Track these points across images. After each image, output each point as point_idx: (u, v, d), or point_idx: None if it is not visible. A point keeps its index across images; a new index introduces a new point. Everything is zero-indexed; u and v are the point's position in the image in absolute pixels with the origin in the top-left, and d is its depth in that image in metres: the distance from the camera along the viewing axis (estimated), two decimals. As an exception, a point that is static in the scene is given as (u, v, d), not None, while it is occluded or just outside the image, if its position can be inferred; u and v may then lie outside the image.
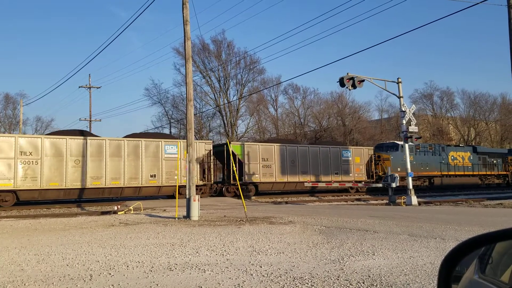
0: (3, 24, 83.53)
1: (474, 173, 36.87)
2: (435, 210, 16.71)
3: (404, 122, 20.84)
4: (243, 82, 49.54)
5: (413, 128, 20.78)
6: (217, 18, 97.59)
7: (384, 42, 48.99)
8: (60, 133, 22.99)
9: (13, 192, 20.30)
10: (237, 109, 49.11)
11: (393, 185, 21.02)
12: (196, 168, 23.41)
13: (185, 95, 18.07)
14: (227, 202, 22.85)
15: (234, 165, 18.26)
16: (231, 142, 26.53)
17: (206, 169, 25.36)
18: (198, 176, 24.24)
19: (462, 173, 35.92)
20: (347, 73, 19.70)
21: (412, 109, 21.52)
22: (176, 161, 22.09)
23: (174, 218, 13.76)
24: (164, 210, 17.47)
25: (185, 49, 15.44)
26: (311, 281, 5.01)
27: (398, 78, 21.26)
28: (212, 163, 25.66)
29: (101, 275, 5.56)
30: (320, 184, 26.42)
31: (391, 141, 34.40)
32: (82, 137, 22.39)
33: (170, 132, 51.59)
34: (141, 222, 12.56)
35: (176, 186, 20.23)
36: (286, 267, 5.85)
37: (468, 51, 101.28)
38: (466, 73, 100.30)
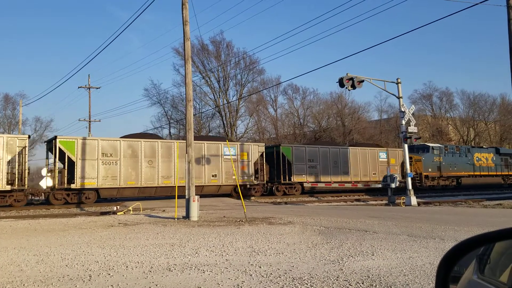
0: (3, 23, 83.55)
1: (497, 173, 38.38)
2: (435, 210, 16.72)
3: (403, 122, 20.84)
4: (243, 82, 49.59)
5: (412, 129, 20.78)
6: (217, 18, 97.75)
7: (383, 42, 49.20)
8: (135, 136, 24.86)
9: (96, 190, 22.03)
10: (237, 110, 49.12)
11: (392, 185, 21.02)
12: (251, 169, 26.42)
13: (184, 95, 18.10)
14: (227, 203, 22.85)
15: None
16: (281, 145, 29.32)
17: (259, 170, 27.27)
18: (252, 176, 26.71)
19: (486, 173, 37.47)
20: (347, 74, 19.70)
21: (412, 109, 21.53)
22: (232, 162, 22.98)
23: (174, 218, 13.76)
24: (164, 210, 17.48)
25: (184, 50, 15.44)
26: (310, 282, 5.01)
27: (397, 79, 21.27)
28: (264, 164, 27.60)
29: (100, 276, 5.55)
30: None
31: (422, 143, 35.41)
32: (154, 140, 24.54)
33: (170, 132, 51.61)
34: (140, 223, 12.55)
35: (234, 185, 24.11)
36: (286, 267, 5.85)
37: (467, 52, 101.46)
38: (466, 74, 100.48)
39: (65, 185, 21.62)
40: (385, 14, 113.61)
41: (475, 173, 36.34)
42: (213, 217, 13.89)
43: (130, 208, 17.41)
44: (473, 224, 10.87)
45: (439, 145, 36.05)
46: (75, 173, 21.41)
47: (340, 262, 6.15)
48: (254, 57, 48.27)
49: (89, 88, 40.92)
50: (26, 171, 20.86)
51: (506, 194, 28.92)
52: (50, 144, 22.43)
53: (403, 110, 20.91)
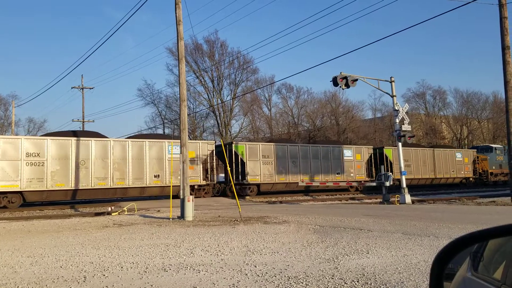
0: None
1: None
2: (429, 208, 16.81)
3: (397, 121, 20.92)
4: (237, 82, 49.56)
5: (406, 127, 20.87)
6: (210, 18, 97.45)
7: (376, 41, 49.39)
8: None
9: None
10: (231, 109, 49.08)
11: (387, 183, 21.10)
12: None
13: (178, 95, 18.04)
14: (222, 202, 22.83)
15: (228, 165, 18.24)
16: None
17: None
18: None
19: None
20: (340, 72, 19.74)
21: (405, 108, 21.61)
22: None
23: (168, 218, 13.73)
24: (158, 210, 17.43)
25: (178, 49, 15.40)
26: (305, 280, 5.02)
27: (391, 77, 21.33)
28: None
29: (95, 277, 5.53)
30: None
31: (486, 144, 39.95)
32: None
33: (164, 132, 51.45)
34: (135, 223, 12.51)
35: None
36: (281, 266, 5.85)
37: (460, 50, 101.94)
38: (458, 72, 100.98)
39: None
40: (378, 13, 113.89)
41: None
42: (208, 217, 13.88)
43: (125, 208, 17.35)
44: (467, 221, 10.94)
45: (500, 146, 40.85)
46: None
47: (335, 260, 6.17)
48: (248, 57, 48.29)
49: (82, 89, 40.73)
50: None
51: (500, 192, 29.11)
52: None
53: (397, 108, 20.99)
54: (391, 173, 22.22)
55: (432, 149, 36.24)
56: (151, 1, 52.44)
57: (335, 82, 19.76)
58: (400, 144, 21.10)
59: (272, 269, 5.67)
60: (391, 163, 31.93)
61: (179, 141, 25.63)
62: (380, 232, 9.08)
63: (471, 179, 37.27)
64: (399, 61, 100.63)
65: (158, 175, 23.80)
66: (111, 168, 22.43)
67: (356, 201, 24.73)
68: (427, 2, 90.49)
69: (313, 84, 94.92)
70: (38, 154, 20.70)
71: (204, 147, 25.69)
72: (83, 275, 5.65)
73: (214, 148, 26.14)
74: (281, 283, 4.94)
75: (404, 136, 20.69)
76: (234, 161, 26.16)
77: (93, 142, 22.29)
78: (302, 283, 4.92)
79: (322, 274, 5.32)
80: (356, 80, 20.17)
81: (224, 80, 49.15)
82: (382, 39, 45.61)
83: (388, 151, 32.58)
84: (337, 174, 29.77)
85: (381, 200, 21.78)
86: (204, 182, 25.22)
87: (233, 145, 26.86)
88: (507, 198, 20.47)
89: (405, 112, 21.31)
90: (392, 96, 21.29)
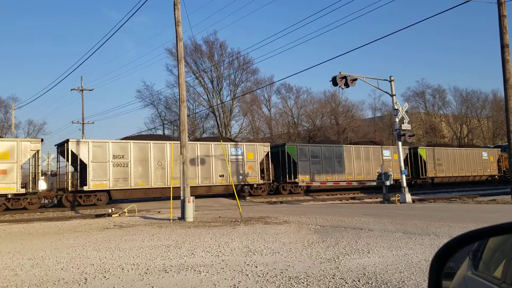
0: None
1: None
2: (429, 207, 16.81)
3: (397, 120, 20.92)
4: (236, 82, 49.53)
5: (406, 126, 20.86)
6: (209, 18, 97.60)
7: (376, 40, 49.19)
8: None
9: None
10: (231, 110, 49.07)
11: (387, 183, 21.10)
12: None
13: (178, 96, 18.06)
14: (222, 203, 22.84)
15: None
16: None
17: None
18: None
19: None
20: (340, 72, 19.73)
21: (405, 107, 21.61)
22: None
23: (169, 219, 13.72)
24: (159, 212, 17.43)
25: (177, 50, 15.40)
26: (306, 281, 5.02)
27: (390, 77, 21.34)
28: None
29: (96, 278, 5.53)
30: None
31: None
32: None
33: (163, 133, 51.48)
34: (135, 225, 12.51)
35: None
36: (282, 266, 5.85)
37: (459, 49, 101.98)
38: (458, 71, 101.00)
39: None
40: (377, 12, 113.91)
41: None
42: (208, 218, 13.87)
43: (125, 210, 17.35)
44: (468, 220, 10.93)
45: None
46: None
47: (336, 260, 6.17)
48: (248, 57, 48.26)
49: (81, 90, 40.73)
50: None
51: (500, 190, 29.12)
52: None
53: (396, 107, 20.99)
54: (391, 173, 22.21)
55: (461, 148, 39.06)
56: (150, 2, 52.48)
57: (334, 81, 19.76)
58: (400, 143, 21.10)
59: (273, 270, 5.67)
60: (425, 162, 34.21)
61: (235, 143, 28.45)
62: (381, 232, 9.08)
63: (496, 176, 39.28)
64: (399, 60, 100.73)
65: (222, 175, 25.75)
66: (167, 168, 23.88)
67: (357, 201, 24.73)
68: (426, 1, 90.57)
69: (313, 84, 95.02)
70: (122, 156, 22.70)
71: (261, 149, 27.80)
72: (84, 277, 5.65)
73: (269, 150, 28.29)
74: (282, 283, 4.94)
75: (404, 135, 20.68)
76: (286, 161, 28.31)
77: (167, 145, 24.20)
78: (303, 283, 4.92)
79: (323, 274, 5.31)
80: (356, 79, 20.17)
81: (224, 80, 49.16)
82: (381, 38, 45.68)
83: (422, 151, 34.62)
84: (377, 173, 30.62)
85: (382, 199, 21.78)
86: (261, 181, 27.30)
87: (285, 146, 28.91)
88: (507, 197, 20.45)
89: (405, 111, 21.31)
90: (392, 95, 21.30)
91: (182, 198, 13.84)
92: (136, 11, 22.18)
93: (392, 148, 33.47)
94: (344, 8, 78.54)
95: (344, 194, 28.61)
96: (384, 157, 32.11)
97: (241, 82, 49.96)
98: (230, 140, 31.28)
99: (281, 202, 23.97)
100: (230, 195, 26.63)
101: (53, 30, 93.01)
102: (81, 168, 22.09)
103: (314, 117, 53.53)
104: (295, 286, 4.81)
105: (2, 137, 21.41)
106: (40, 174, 21.25)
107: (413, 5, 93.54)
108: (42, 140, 21.43)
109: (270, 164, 28.15)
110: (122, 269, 6.07)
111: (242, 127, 51.18)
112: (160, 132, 51.68)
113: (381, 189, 22.99)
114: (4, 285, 5.33)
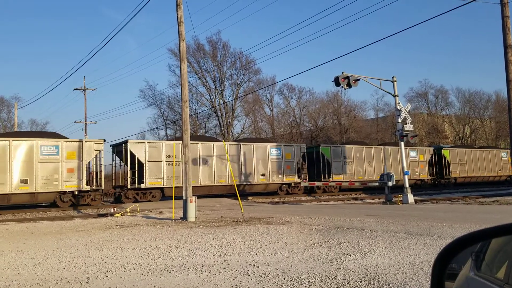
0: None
1: None
2: (432, 208, 16.77)
3: (399, 120, 20.87)
4: (239, 82, 49.48)
5: (408, 127, 20.82)
6: (212, 18, 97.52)
7: (378, 41, 49.22)
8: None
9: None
10: (233, 110, 49.05)
11: (389, 183, 21.05)
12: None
13: (180, 96, 18.07)
14: (224, 203, 22.85)
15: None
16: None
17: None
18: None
19: None
20: (342, 72, 19.71)
21: (408, 107, 21.57)
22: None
23: (171, 219, 13.74)
24: (161, 211, 17.45)
25: (179, 51, 15.41)
26: (308, 281, 5.01)
27: (393, 77, 21.30)
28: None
29: (98, 278, 5.54)
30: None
31: None
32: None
33: (166, 133, 51.53)
34: (138, 224, 12.53)
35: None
36: (284, 267, 5.85)
37: (462, 49, 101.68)
38: (461, 71, 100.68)
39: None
40: (380, 13, 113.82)
41: None
42: (210, 218, 13.88)
43: (128, 209, 17.37)
44: (470, 221, 10.90)
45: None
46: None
47: (338, 261, 6.16)
48: (250, 57, 48.23)
49: (84, 90, 40.80)
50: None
51: (503, 191, 29.03)
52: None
53: (399, 108, 20.95)
54: (393, 173, 22.16)
55: (482, 150, 40.30)
56: (153, 2, 52.56)
57: (337, 82, 19.74)
58: (402, 143, 21.06)
59: (275, 270, 5.67)
60: (448, 163, 35.99)
61: (275, 143, 29.56)
62: (383, 232, 9.07)
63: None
64: (401, 61, 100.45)
65: (263, 174, 27.30)
66: (228, 167, 25.28)
67: (359, 201, 24.69)
68: (429, 1, 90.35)
69: (315, 84, 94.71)
70: (174, 156, 24.05)
71: (298, 150, 29.24)
72: (86, 276, 5.66)
73: (305, 150, 29.78)
74: (284, 283, 4.94)
75: (406, 135, 20.64)
76: (321, 162, 29.88)
77: (214, 145, 25.82)
78: (305, 283, 4.91)
79: (325, 275, 5.31)
80: (358, 80, 20.14)
81: (226, 80, 49.12)
82: (384, 39, 45.62)
83: (445, 152, 36.37)
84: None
85: (384, 200, 21.74)
86: (298, 180, 28.46)
87: (320, 147, 30.39)
88: (510, 198, 20.42)
89: (408, 112, 21.26)
90: (394, 96, 21.26)
91: (184, 198, 13.86)
92: (139, 11, 22.28)
93: (419, 149, 35.53)
94: (347, 8, 78.45)
95: (347, 195, 28.61)
96: (410, 158, 33.47)
97: (243, 82, 49.96)
98: (269, 141, 32.49)
99: (283, 203, 23.97)
100: (252, 194, 27.76)
101: (56, 30, 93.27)
102: (137, 167, 23.49)
103: (317, 117, 53.47)
104: (297, 286, 4.81)
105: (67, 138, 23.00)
106: (102, 172, 22.81)
107: (416, 6, 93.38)
108: (104, 140, 22.84)
109: (305, 164, 29.98)
110: (124, 268, 6.08)
111: (244, 127, 51.22)
112: (162, 132, 51.76)
113: (400, 189, 23.31)
114: (6, 284, 5.35)
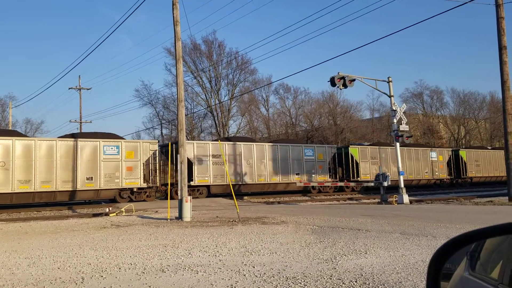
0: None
1: None
2: (426, 208, 16.83)
3: (395, 121, 20.94)
4: (235, 82, 49.47)
5: (404, 127, 20.89)
6: (208, 18, 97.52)
7: (374, 41, 49.37)
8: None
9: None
10: (229, 110, 49.03)
11: (385, 184, 21.11)
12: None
13: (176, 95, 18.04)
14: (220, 203, 22.82)
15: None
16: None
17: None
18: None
19: None
20: (338, 73, 19.74)
21: (403, 108, 21.63)
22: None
23: (166, 219, 13.71)
24: (156, 211, 17.40)
25: (175, 50, 15.39)
26: (304, 281, 5.02)
27: (388, 78, 21.36)
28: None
29: (93, 278, 5.52)
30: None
31: None
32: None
33: (162, 133, 51.43)
34: (133, 224, 12.49)
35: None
36: (279, 267, 5.85)
37: (457, 50, 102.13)
38: (456, 72, 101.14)
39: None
40: (375, 13, 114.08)
41: None
42: (206, 218, 13.87)
43: (123, 209, 17.31)
44: (465, 221, 10.96)
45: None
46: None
47: (334, 261, 6.17)
48: (246, 57, 48.24)
49: (79, 89, 40.66)
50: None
51: (497, 192, 29.18)
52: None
53: (394, 108, 21.02)
54: (389, 173, 22.22)
55: (496, 150, 41.18)
56: (149, 1, 52.40)
57: (332, 82, 19.77)
58: (398, 144, 21.12)
59: (270, 270, 5.67)
60: (465, 163, 37.46)
61: (309, 145, 30.63)
62: (378, 232, 9.09)
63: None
64: (397, 61, 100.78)
65: (298, 173, 28.71)
66: (267, 166, 27.52)
67: (354, 201, 24.75)
68: (424, 2, 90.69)
69: (311, 85, 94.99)
70: (219, 156, 25.38)
71: (329, 150, 30.97)
72: (81, 276, 5.63)
73: (336, 151, 31.19)
74: (279, 283, 4.94)
75: (402, 136, 20.71)
76: (350, 162, 31.00)
77: (254, 146, 27.68)
78: (300, 283, 4.92)
79: (320, 275, 5.32)
80: (354, 80, 20.18)
81: (222, 80, 49.10)
82: (379, 39, 45.86)
83: (462, 153, 37.82)
84: (426, 173, 35.19)
85: (379, 200, 21.80)
86: (330, 179, 29.91)
87: (349, 148, 31.56)
88: (504, 198, 20.50)
89: (403, 112, 21.33)
90: (390, 96, 21.33)
91: (180, 197, 13.83)
92: (135, 10, 22.16)
93: (438, 150, 37.55)
94: (343, 9, 78.57)
95: (342, 195, 28.69)
96: (431, 158, 35.43)
97: (239, 82, 49.96)
98: (303, 142, 33.96)
99: (279, 203, 23.98)
100: (256, 194, 27.73)
101: (51, 28, 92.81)
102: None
103: (312, 117, 53.55)
104: (292, 286, 4.81)
105: (123, 139, 24.31)
106: (156, 171, 24.21)
107: (411, 6, 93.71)
108: (158, 141, 25.63)
109: (335, 164, 31.04)
110: (119, 268, 6.06)
111: (240, 127, 51.21)
112: (158, 132, 51.66)
113: (422, 188, 23.79)
114: (0, 284, 5.32)
